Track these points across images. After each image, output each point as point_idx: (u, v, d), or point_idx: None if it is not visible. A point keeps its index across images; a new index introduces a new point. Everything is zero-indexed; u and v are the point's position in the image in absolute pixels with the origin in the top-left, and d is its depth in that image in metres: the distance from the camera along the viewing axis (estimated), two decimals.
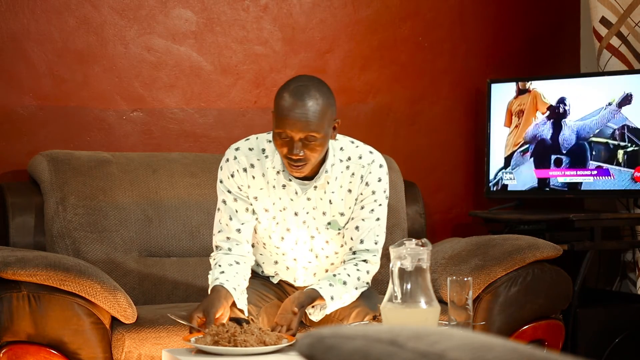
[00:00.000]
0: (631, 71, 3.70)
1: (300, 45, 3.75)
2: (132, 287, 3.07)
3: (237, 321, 2.34)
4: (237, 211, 2.60)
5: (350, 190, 2.60)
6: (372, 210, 2.60)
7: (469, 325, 2.20)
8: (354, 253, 2.61)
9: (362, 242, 2.60)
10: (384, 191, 2.62)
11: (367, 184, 2.59)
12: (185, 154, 3.40)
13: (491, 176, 3.86)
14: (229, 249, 2.60)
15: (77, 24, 3.45)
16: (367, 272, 2.60)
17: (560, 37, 4.18)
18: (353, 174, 2.59)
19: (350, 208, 2.62)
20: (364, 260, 2.60)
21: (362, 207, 2.60)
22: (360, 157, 2.60)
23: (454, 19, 4.00)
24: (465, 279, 2.21)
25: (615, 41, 3.78)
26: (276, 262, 2.73)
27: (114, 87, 3.50)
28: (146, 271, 3.14)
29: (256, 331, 2.30)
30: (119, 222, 3.14)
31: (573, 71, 4.16)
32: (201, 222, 3.24)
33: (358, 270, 2.57)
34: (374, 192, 2.60)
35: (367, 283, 2.62)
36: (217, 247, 2.63)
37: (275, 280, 2.77)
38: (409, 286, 2.12)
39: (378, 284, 3.05)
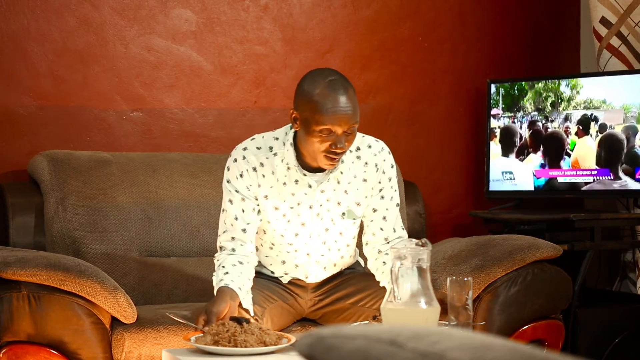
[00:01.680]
0: (631, 71, 3.70)
1: (300, 45, 3.75)
2: (132, 287, 3.07)
3: (238, 321, 2.34)
4: (243, 211, 2.61)
5: (365, 180, 2.64)
6: (392, 197, 2.69)
7: (469, 325, 2.20)
8: (389, 242, 2.67)
9: (394, 230, 2.68)
10: (395, 176, 2.71)
11: (383, 172, 2.66)
12: (185, 154, 3.40)
13: (491, 176, 3.86)
14: (233, 250, 2.60)
15: (77, 24, 3.45)
16: None
17: (560, 37, 4.18)
18: (366, 163, 2.64)
19: (366, 197, 2.66)
20: None
21: (383, 197, 2.67)
22: (369, 146, 2.66)
23: (454, 19, 4.00)
24: (465, 279, 2.21)
25: (615, 41, 3.78)
26: (284, 262, 2.73)
27: (114, 87, 3.50)
28: (146, 271, 3.14)
29: (256, 331, 2.30)
30: (119, 222, 3.14)
31: (573, 71, 4.16)
32: (201, 222, 3.24)
33: None
34: (390, 179, 2.67)
35: None
36: (221, 247, 2.63)
37: (285, 280, 2.77)
38: (409, 286, 2.12)
39: None
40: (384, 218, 2.67)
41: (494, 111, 3.86)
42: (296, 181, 2.60)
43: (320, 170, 2.59)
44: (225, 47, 3.64)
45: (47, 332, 2.57)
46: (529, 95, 3.79)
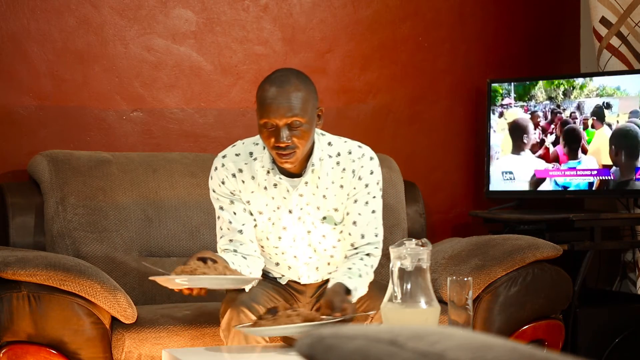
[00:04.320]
0: (631, 71, 3.70)
1: (300, 45, 3.75)
2: (132, 287, 3.07)
3: (203, 260, 2.35)
4: (235, 213, 2.61)
5: (342, 186, 2.61)
6: (367, 202, 2.61)
7: (469, 325, 2.20)
8: (356, 248, 2.62)
9: (363, 237, 2.61)
10: (377, 183, 2.63)
11: (359, 178, 2.60)
12: (185, 154, 3.40)
13: (491, 176, 3.86)
14: (235, 250, 2.60)
15: (77, 24, 3.45)
16: (372, 267, 2.61)
17: (560, 37, 4.18)
18: (344, 169, 2.60)
19: (342, 204, 2.62)
20: (367, 255, 2.60)
21: (356, 201, 2.60)
22: (350, 152, 2.61)
23: (454, 19, 4.00)
24: (465, 279, 2.21)
25: (615, 41, 3.77)
26: (277, 264, 2.73)
27: (114, 87, 3.50)
28: (146, 271, 3.14)
29: (220, 268, 2.32)
30: (119, 222, 3.14)
31: (573, 71, 4.16)
32: (201, 222, 3.24)
33: (365, 265, 2.58)
34: (367, 185, 2.60)
35: (372, 276, 2.64)
36: (223, 251, 2.63)
37: (283, 282, 2.77)
38: (409, 286, 2.12)
39: None
40: (354, 223, 2.61)
41: (505, 101, 3.83)
42: (275, 185, 2.59)
43: (297, 175, 2.59)
44: (225, 47, 3.64)
45: (47, 332, 2.57)
46: (540, 83, 3.77)
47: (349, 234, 2.62)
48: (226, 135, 3.60)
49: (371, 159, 2.63)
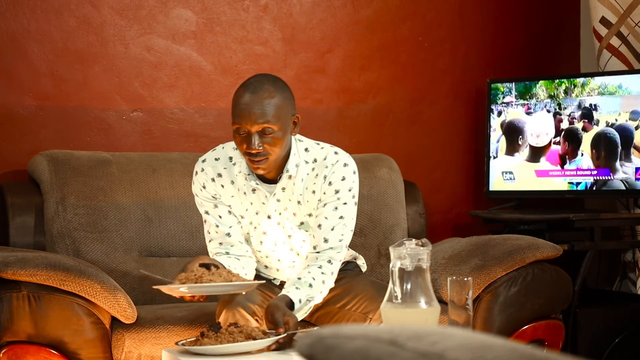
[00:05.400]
0: (631, 71, 3.70)
1: (300, 45, 3.75)
2: (132, 287, 3.07)
3: (206, 266, 2.35)
4: (220, 217, 2.61)
5: (314, 192, 2.59)
6: (336, 208, 2.57)
7: (469, 325, 2.20)
8: (318, 252, 2.58)
9: (326, 241, 2.57)
10: (350, 190, 2.58)
11: (330, 183, 2.57)
12: (185, 154, 3.40)
13: (491, 176, 3.86)
14: (227, 253, 2.60)
15: (77, 24, 3.45)
16: (332, 274, 2.57)
17: (560, 37, 4.18)
18: (317, 175, 2.58)
19: (315, 209, 2.61)
20: (329, 261, 2.56)
21: (325, 205, 2.57)
22: (325, 159, 2.59)
23: (454, 19, 4.00)
24: (465, 279, 2.21)
25: (615, 41, 3.78)
26: (266, 267, 2.74)
27: (114, 87, 3.50)
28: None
29: (224, 274, 2.31)
30: (119, 222, 3.14)
31: (573, 71, 4.16)
32: (201, 222, 3.22)
33: (323, 273, 2.54)
34: (337, 191, 2.57)
35: (331, 283, 2.62)
36: (215, 254, 2.63)
37: (277, 282, 2.77)
38: (409, 286, 2.12)
39: None
40: (319, 226, 2.57)
41: (507, 99, 3.82)
42: (253, 190, 2.59)
43: (273, 181, 2.58)
44: (225, 47, 3.64)
45: (47, 332, 2.57)
46: (541, 82, 3.75)
47: (313, 237, 2.59)
48: (226, 135, 3.60)
49: (345, 165, 2.59)
